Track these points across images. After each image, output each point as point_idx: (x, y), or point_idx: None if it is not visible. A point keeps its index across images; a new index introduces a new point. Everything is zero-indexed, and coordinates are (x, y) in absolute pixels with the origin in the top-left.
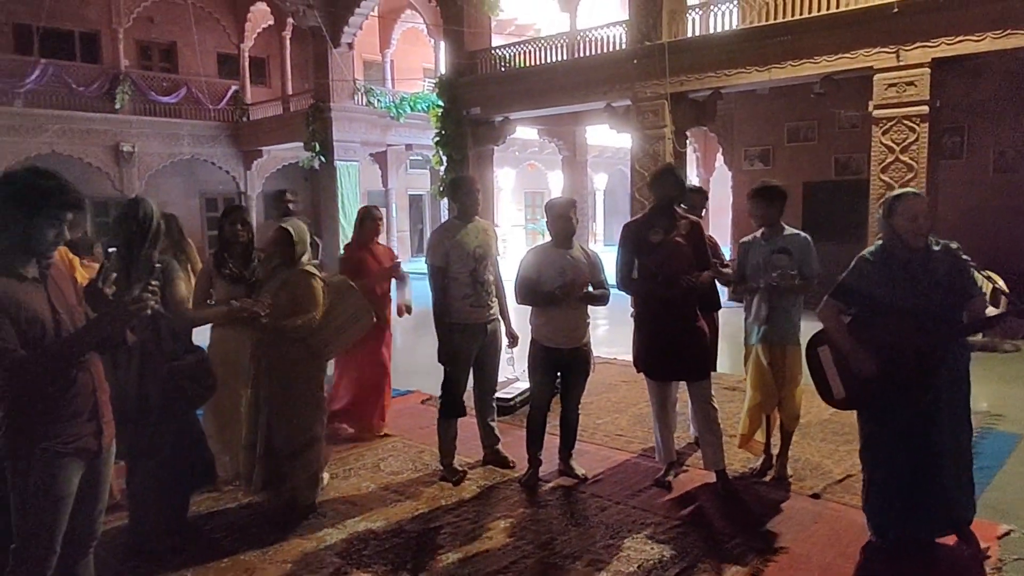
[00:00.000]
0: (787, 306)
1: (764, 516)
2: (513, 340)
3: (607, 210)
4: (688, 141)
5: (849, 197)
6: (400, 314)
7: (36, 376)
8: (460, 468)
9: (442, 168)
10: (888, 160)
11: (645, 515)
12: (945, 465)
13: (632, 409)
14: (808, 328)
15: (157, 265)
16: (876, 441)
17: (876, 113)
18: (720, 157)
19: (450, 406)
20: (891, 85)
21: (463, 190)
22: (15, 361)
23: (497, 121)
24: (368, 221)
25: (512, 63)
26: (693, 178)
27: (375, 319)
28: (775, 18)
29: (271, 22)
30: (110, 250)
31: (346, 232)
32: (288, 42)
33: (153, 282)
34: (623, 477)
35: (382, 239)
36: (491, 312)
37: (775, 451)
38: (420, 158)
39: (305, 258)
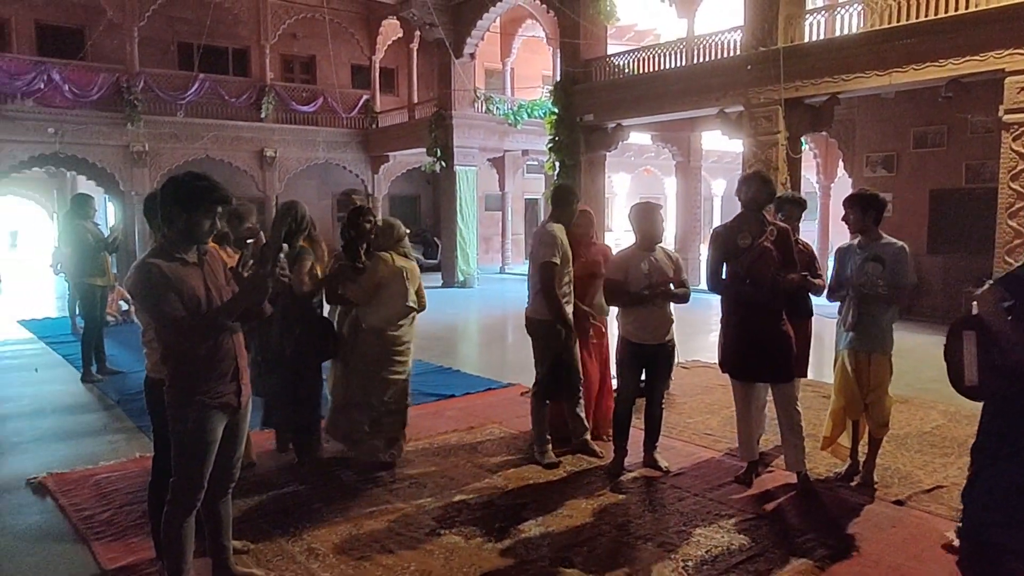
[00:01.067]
0: (876, 314)
1: (841, 518)
2: None
3: (725, 216)
4: (808, 147)
5: (980, 206)
6: None
7: (195, 338)
8: (556, 457)
9: (555, 173)
10: (1019, 167)
11: (720, 507)
12: None
13: (725, 411)
14: (903, 339)
15: (284, 252)
16: (995, 439)
17: (1007, 118)
18: (841, 163)
19: (548, 391)
20: (1023, 89)
21: (571, 200)
22: (181, 323)
23: (610, 127)
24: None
25: (626, 70)
26: (812, 185)
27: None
28: (897, 20)
29: (400, 35)
30: (248, 241)
31: (462, 232)
32: (415, 53)
33: (282, 264)
34: (705, 472)
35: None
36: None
37: (863, 458)
38: (536, 163)
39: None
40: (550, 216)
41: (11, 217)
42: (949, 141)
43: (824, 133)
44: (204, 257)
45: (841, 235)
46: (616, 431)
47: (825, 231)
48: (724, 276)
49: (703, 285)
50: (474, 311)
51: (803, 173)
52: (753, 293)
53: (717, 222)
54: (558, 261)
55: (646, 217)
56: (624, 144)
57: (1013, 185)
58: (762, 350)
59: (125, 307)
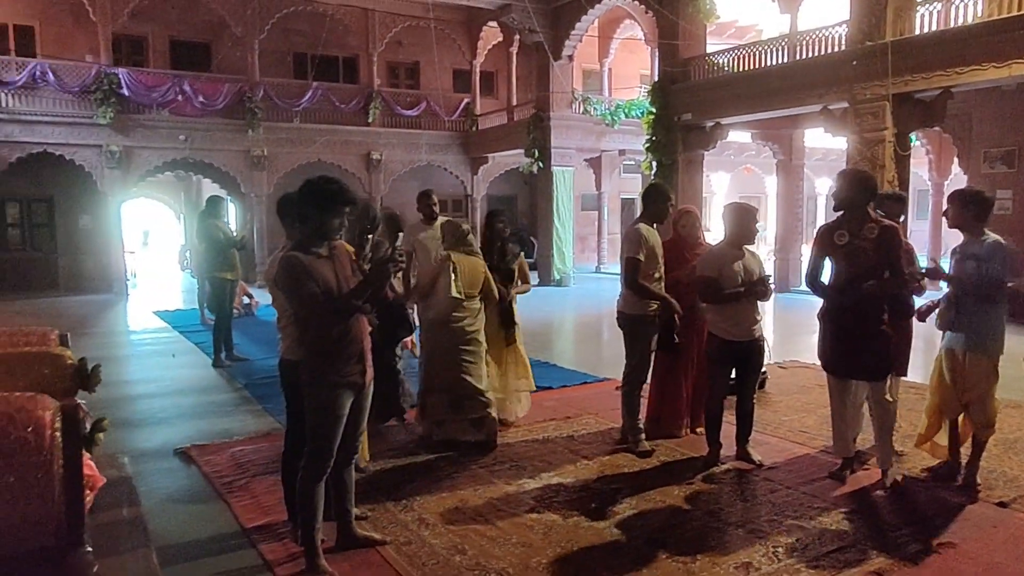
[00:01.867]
0: (973, 313)
1: (938, 516)
2: None
3: (830, 216)
4: (919, 143)
5: None
6: None
7: (330, 320)
8: (649, 447)
9: (651, 173)
10: None
11: (813, 500)
12: None
13: (821, 410)
14: (1013, 343)
15: (398, 244)
16: None
17: None
18: (956, 160)
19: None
20: None
21: (660, 199)
22: (318, 306)
23: (708, 126)
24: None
25: (726, 68)
26: (924, 182)
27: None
28: (1018, 9)
29: (500, 39)
30: (368, 237)
31: (559, 232)
32: (514, 57)
33: (400, 255)
34: (798, 467)
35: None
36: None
37: (966, 459)
38: (633, 163)
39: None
40: (640, 215)
41: (143, 217)
42: None
43: (936, 128)
44: (333, 251)
45: (955, 234)
46: (708, 425)
47: (937, 229)
48: (822, 275)
49: (804, 285)
50: (570, 309)
51: (915, 170)
52: (844, 293)
53: (820, 222)
54: (642, 257)
55: (742, 217)
56: (724, 143)
57: None
58: (857, 347)
59: (247, 301)
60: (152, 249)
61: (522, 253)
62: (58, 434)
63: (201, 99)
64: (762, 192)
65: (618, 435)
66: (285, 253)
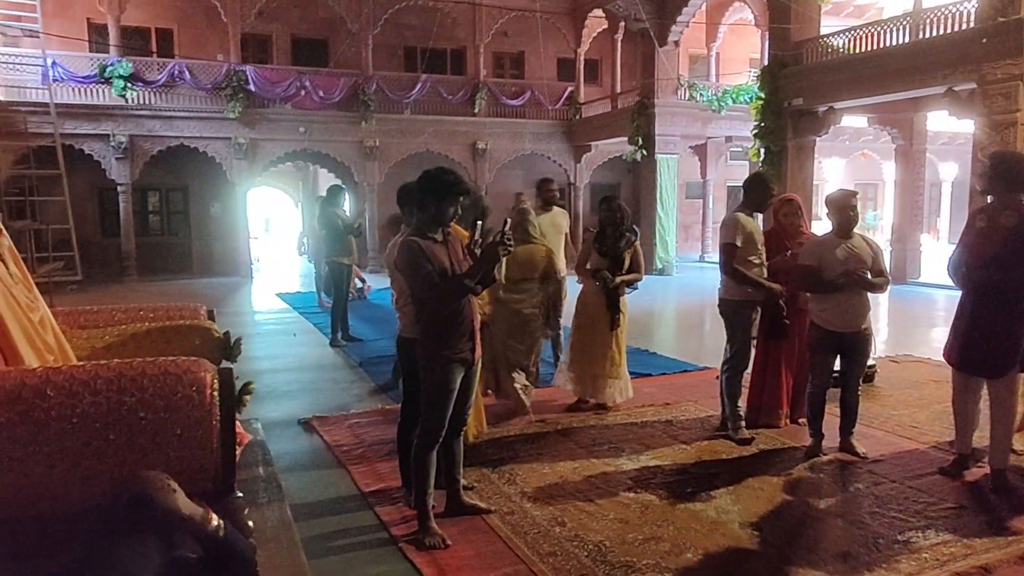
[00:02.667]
0: None
1: None
2: None
3: (955, 204)
4: None
5: None
6: None
7: (446, 298)
8: (749, 434)
9: (759, 160)
10: None
11: (919, 495)
12: None
13: (935, 406)
14: None
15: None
16: None
17: None
18: None
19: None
20: None
21: (760, 188)
22: (436, 285)
23: (820, 111)
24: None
25: (841, 50)
26: None
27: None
28: None
29: (605, 27)
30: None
31: (662, 220)
32: (619, 44)
33: (509, 240)
34: (906, 462)
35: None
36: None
37: None
38: (740, 150)
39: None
40: (740, 204)
41: (265, 205)
42: None
43: None
44: (448, 236)
45: None
46: (811, 415)
47: None
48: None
49: (923, 278)
50: (671, 298)
51: None
52: (969, 277)
53: (945, 210)
54: (739, 243)
55: (842, 205)
56: (838, 128)
57: None
58: (986, 343)
59: (360, 285)
60: (272, 235)
61: (637, 242)
62: (216, 394)
63: (320, 93)
64: (879, 179)
65: (717, 422)
66: (405, 238)
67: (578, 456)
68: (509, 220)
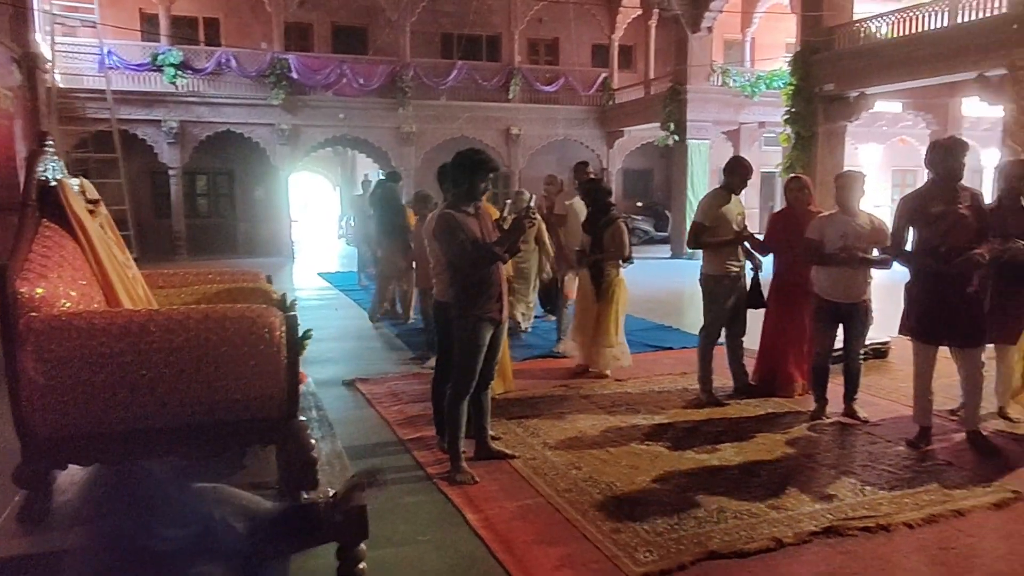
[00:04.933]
0: None
1: None
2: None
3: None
4: None
5: None
6: None
7: (478, 263)
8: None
9: (790, 146)
10: None
11: (911, 453)
12: None
13: (941, 379)
14: None
15: (532, 205)
16: None
17: None
18: None
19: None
20: None
21: (734, 170)
22: (469, 252)
23: (852, 96)
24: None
25: (876, 34)
26: None
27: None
28: None
29: (639, 13)
30: (507, 202)
31: (692, 205)
32: (653, 30)
33: (533, 214)
34: (903, 426)
35: None
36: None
37: None
38: (773, 135)
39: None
40: (721, 184)
41: (304, 189)
42: None
43: None
44: (479, 210)
45: None
46: (814, 382)
47: None
48: (911, 244)
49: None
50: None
51: None
52: (945, 261)
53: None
54: (707, 223)
55: (845, 185)
56: (876, 113)
57: None
58: (951, 314)
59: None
60: (310, 218)
61: (619, 222)
62: (283, 334)
63: (359, 80)
64: (918, 165)
65: (730, 391)
66: (441, 211)
67: (597, 415)
68: (534, 197)
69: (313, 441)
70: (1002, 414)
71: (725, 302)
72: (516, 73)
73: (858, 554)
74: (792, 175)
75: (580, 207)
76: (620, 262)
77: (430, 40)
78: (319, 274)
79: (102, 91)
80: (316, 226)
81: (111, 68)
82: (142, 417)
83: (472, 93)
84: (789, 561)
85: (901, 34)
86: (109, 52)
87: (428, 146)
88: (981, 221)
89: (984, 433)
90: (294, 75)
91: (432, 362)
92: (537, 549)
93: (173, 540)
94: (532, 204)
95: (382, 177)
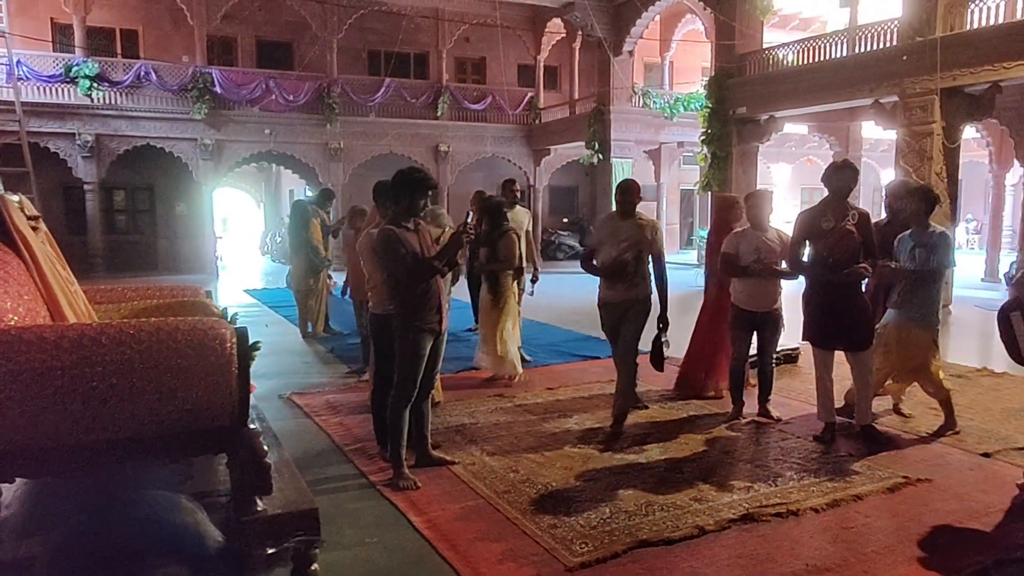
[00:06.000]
0: (920, 294)
1: (924, 460)
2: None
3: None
4: (980, 135)
5: None
6: None
7: (418, 277)
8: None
9: (707, 165)
10: None
11: (818, 447)
12: None
13: (844, 382)
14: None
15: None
16: None
17: None
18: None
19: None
20: None
21: (621, 192)
22: (409, 267)
23: (762, 119)
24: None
25: (783, 62)
26: (983, 174)
27: None
28: None
29: (564, 35)
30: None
31: None
32: (577, 52)
33: (471, 231)
34: (812, 423)
35: None
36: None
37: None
38: (692, 154)
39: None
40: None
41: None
42: None
43: (995, 121)
44: (418, 226)
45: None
46: (732, 385)
47: (997, 219)
48: (806, 257)
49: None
50: None
51: (976, 162)
52: (832, 275)
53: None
54: (591, 244)
55: (755, 204)
56: (785, 135)
57: None
58: (841, 321)
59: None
60: (231, 235)
61: (510, 233)
62: (234, 346)
63: (285, 96)
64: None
65: (657, 396)
66: (383, 226)
67: (531, 422)
68: (471, 213)
69: (266, 447)
70: (896, 410)
71: (607, 324)
72: (444, 91)
73: (771, 537)
74: (721, 195)
75: (511, 224)
76: (512, 272)
77: (357, 57)
78: (245, 291)
79: (10, 103)
80: (239, 242)
81: (20, 79)
82: (94, 430)
83: (401, 110)
84: (711, 545)
85: (806, 62)
86: (19, 62)
87: (356, 162)
88: (865, 237)
89: (877, 427)
90: (218, 89)
91: (368, 375)
92: (480, 546)
93: (137, 543)
94: (470, 220)
95: (299, 198)
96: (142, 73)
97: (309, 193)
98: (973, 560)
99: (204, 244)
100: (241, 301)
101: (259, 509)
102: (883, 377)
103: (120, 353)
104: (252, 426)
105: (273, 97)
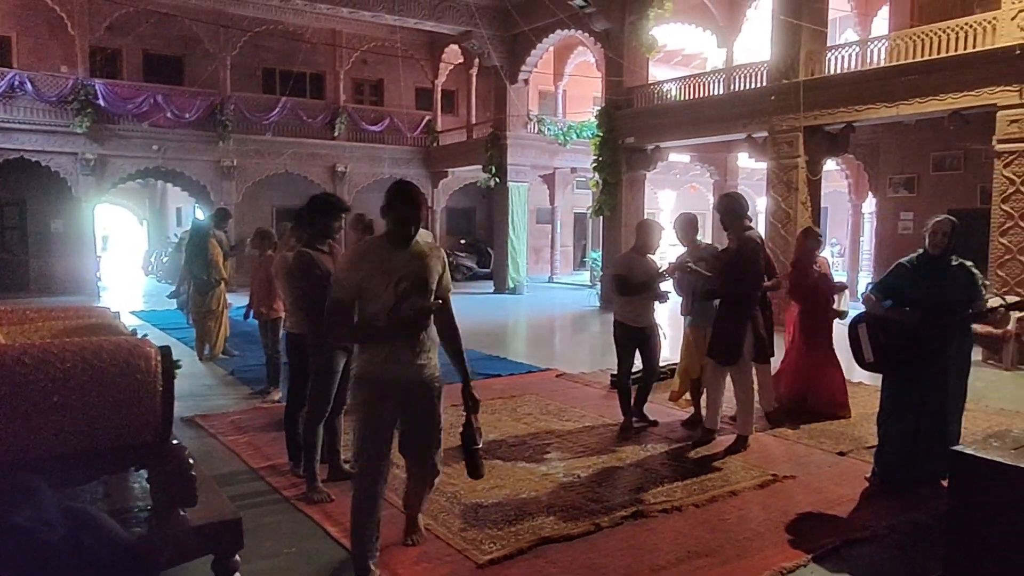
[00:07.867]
0: (707, 302)
1: (789, 460)
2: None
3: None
4: (839, 168)
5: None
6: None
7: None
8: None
9: (598, 190)
10: (1009, 191)
11: (698, 451)
12: (950, 424)
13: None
14: None
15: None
16: (893, 404)
17: (998, 147)
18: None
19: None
20: (1013, 121)
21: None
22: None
23: (649, 149)
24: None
25: (667, 96)
26: (844, 203)
27: None
28: (906, 58)
29: (461, 61)
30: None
31: (513, 243)
32: (474, 78)
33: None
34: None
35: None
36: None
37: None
38: (584, 179)
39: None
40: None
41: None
42: (965, 165)
43: (851, 156)
44: (332, 248)
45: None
46: (620, 396)
47: (856, 244)
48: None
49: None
50: (522, 314)
51: (839, 192)
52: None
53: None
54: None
55: (645, 232)
56: (670, 163)
57: (1004, 207)
58: (719, 338)
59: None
60: (112, 253)
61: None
62: (159, 364)
63: (174, 111)
64: (706, 208)
65: (553, 408)
66: (299, 249)
67: None
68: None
69: (192, 461)
70: (768, 418)
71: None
72: (342, 112)
73: (659, 530)
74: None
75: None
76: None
77: (252, 74)
78: (132, 312)
79: None
80: (120, 262)
81: None
82: (16, 448)
83: (297, 129)
84: (606, 540)
85: (688, 98)
86: None
87: (250, 181)
88: (729, 264)
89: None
90: (101, 103)
91: (274, 396)
92: (396, 550)
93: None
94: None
95: (196, 218)
96: (15, 82)
97: (200, 211)
98: (828, 541)
99: (83, 263)
100: (129, 323)
101: (183, 519)
102: (687, 374)
103: (44, 373)
104: (175, 442)
105: (162, 112)
